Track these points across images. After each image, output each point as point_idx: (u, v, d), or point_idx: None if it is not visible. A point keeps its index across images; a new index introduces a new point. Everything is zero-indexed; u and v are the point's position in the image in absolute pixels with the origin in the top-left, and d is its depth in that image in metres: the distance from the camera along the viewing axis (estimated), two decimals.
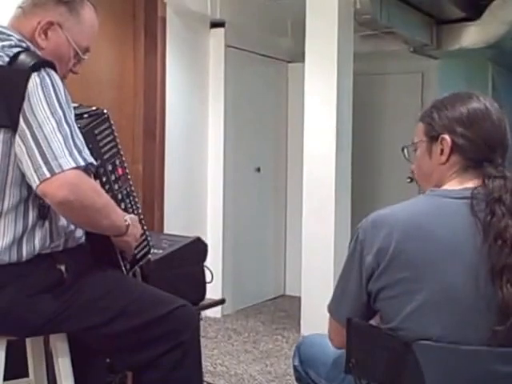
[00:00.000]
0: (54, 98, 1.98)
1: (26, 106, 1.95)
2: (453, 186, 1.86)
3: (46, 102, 1.96)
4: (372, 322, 1.91)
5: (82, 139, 2.01)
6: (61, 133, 1.95)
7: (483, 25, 6.21)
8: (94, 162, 2.03)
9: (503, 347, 1.69)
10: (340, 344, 1.96)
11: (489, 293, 1.69)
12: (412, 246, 1.76)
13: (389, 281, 1.78)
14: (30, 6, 2.21)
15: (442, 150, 1.86)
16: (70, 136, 1.96)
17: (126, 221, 2.16)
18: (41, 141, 1.93)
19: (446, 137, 1.85)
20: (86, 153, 2.00)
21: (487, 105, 1.89)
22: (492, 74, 7.80)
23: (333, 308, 1.97)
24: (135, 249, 2.35)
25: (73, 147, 1.95)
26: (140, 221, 2.36)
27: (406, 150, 2.05)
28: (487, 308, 1.70)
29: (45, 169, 1.91)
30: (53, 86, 1.99)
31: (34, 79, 1.97)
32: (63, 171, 1.92)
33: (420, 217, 1.80)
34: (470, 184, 1.82)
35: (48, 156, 1.92)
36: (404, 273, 1.76)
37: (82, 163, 1.96)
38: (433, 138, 1.89)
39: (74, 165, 1.93)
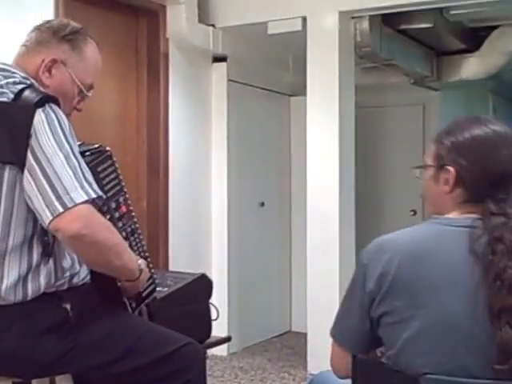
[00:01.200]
0: (61, 132, 1.98)
1: (33, 142, 1.94)
2: (454, 215, 1.85)
3: (53, 137, 1.96)
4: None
5: (89, 172, 2.02)
6: (70, 166, 1.95)
7: (483, 56, 6.24)
8: (104, 196, 2.03)
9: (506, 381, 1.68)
10: (342, 371, 1.96)
11: (486, 327, 1.68)
12: (411, 272, 1.76)
13: (389, 307, 1.79)
14: (34, 44, 2.22)
15: (446, 180, 1.86)
16: (78, 169, 1.96)
17: (139, 265, 2.16)
18: (51, 175, 1.93)
19: (452, 169, 1.84)
20: (95, 186, 1.99)
21: (500, 131, 1.87)
22: (493, 104, 7.83)
23: (335, 332, 1.96)
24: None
25: (83, 180, 1.96)
26: (146, 258, 2.35)
27: (416, 171, 2.02)
28: (485, 340, 1.69)
29: (57, 203, 1.91)
30: (58, 120, 1.99)
31: (40, 115, 1.97)
32: (76, 205, 1.91)
33: (420, 244, 1.81)
34: (471, 216, 1.81)
35: (59, 191, 1.91)
36: (402, 299, 1.77)
37: (94, 195, 1.96)
38: (440, 166, 1.88)
39: (85, 197, 1.93)
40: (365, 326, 1.86)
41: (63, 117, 2.02)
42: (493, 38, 6.15)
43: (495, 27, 6.08)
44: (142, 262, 2.19)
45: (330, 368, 2.07)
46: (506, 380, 1.67)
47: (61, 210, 1.90)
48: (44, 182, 1.92)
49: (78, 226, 1.90)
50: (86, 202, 1.93)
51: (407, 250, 1.80)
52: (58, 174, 1.93)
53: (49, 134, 1.96)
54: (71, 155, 1.96)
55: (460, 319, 1.71)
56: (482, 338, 1.69)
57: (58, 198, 1.91)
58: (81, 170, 1.97)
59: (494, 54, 6.20)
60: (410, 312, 1.75)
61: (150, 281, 2.41)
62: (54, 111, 2.00)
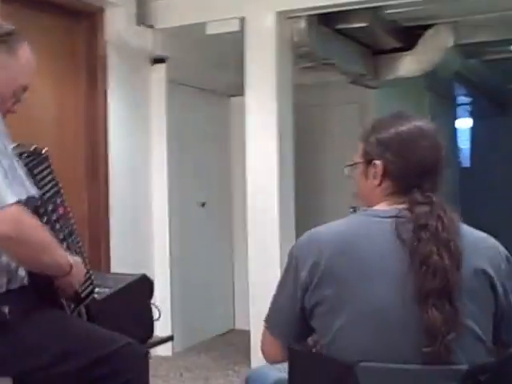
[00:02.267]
0: None
1: None
2: (382, 207, 1.93)
3: None
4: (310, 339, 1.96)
5: (22, 172, 1.99)
6: (1, 166, 1.93)
7: (418, 54, 6.33)
8: (36, 195, 2.01)
9: (435, 365, 1.74)
10: (273, 357, 2.04)
11: (415, 314, 1.75)
12: (340, 262, 1.82)
13: (320, 297, 1.84)
14: None
15: (375, 174, 1.95)
16: (8, 169, 1.94)
17: (69, 260, 2.15)
18: None
19: (378, 163, 1.93)
20: (28, 185, 1.98)
21: (423, 127, 1.97)
22: (429, 101, 7.98)
23: (269, 322, 2.03)
24: (79, 288, 2.33)
25: (12, 180, 1.93)
26: (84, 259, 2.35)
27: (347, 169, 2.11)
28: (415, 328, 1.75)
29: None
30: None
31: None
32: (2, 208, 1.89)
33: (349, 235, 1.88)
34: (399, 206, 1.89)
35: None
36: (333, 288, 1.82)
37: (24, 196, 1.94)
38: (367, 161, 1.97)
39: (15, 199, 1.91)
40: (296, 316, 1.92)
41: None
42: (427, 36, 6.24)
43: (430, 26, 6.19)
44: (74, 258, 2.19)
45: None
46: (436, 363, 1.73)
47: None
48: None
49: (6, 229, 1.90)
50: (15, 203, 1.91)
51: (336, 241, 1.86)
52: None
53: None
54: (1, 155, 1.94)
55: (390, 306, 1.77)
56: (411, 323, 1.75)
57: None
58: (11, 170, 1.95)
59: (428, 52, 6.30)
60: (340, 301, 1.81)
61: (89, 282, 2.41)
62: None
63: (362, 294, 1.79)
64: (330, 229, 1.93)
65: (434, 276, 1.74)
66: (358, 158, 2.02)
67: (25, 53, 2.26)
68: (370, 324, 1.78)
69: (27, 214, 1.97)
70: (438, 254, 1.76)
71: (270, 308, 2.03)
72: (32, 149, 2.25)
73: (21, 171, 2.00)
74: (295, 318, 1.93)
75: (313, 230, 1.94)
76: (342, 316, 1.80)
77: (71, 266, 2.16)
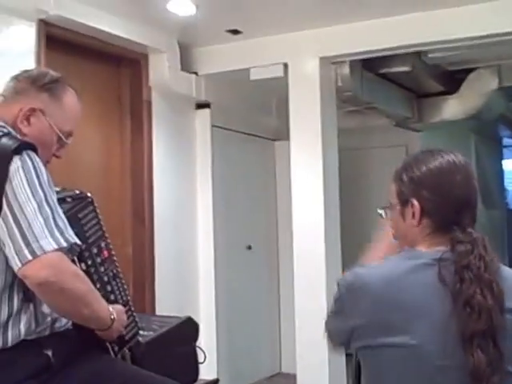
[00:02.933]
0: (36, 179, 1.99)
1: (7, 188, 1.96)
2: (425, 248, 1.90)
3: (27, 184, 1.97)
4: None
5: (64, 220, 2.01)
6: (42, 214, 1.95)
7: (461, 97, 6.36)
8: (78, 242, 2.03)
9: None
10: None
11: (458, 356, 1.72)
12: (384, 312, 1.80)
13: (364, 341, 1.83)
14: (12, 93, 2.24)
15: (413, 214, 1.91)
16: (51, 217, 1.96)
17: (111, 314, 2.14)
18: (22, 222, 1.93)
19: (415, 202, 1.90)
20: (70, 233, 1.99)
21: (454, 160, 1.93)
22: (475, 143, 7.92)
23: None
24: (123, 330, 2.34)
25: (54, 228, 1.95)
26: (127, 302, 2.36)
27: (383, 211, 2.08)
28: (458, 371, 1.72)
29: (26, 251, 1.91)
30: (34, 168, 2.00)
31: (16, 162, 1.98)
32: (45, 253, 1.91)
33: (392, 282, 1.83)
34: (441, 247, 1.86)
35: (29, 238, 1.92)
36: (375, 334, 1.80)
37: (65, 244, 1.96)
38: (403, 201, 1.94)
39: (55, 246, 1.93)
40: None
41: (40, 164, 2.03)
42: (470, 79, 6.28)
43: (472, 69, 6.22)
44: (115, 309, 2.18)
45: None
46: None
47: (29, 257, 1.90)
48: (15, 229, 1.93)
49: (45, 274, 1.91)
50: (56, 250, 1.93)
51: (379, 289, 1.83)
52: (28, 221, 1.93)
53: (23, 180, 1.97)
54: (44, 203, 1.97)
55: (432, 349, 1.74)
56: (454, 366, 1.73)
57: (28, 245, 1.91)
58: (53, 217, 1.97)
59: (472, 96, 6.32)
60: (383, 344, 1.79)
61: (133, 324, 2.42)
62: (30, 158, 2.01)
63: (405, 335, 1.77)
64: (372, 274, 1.89)
65: (478, 317, 1.72)
66: (393, 199, 1.99)
67: (69, 99, 2.31)
68: (413, 367, 1.76)
69: (67, 261, 1.99)
70: (481, 294, 1.74)
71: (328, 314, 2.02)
72: (77, 193, 2.29)
73: (62, 219, 2.01)
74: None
75: (355, 272, 1.91)
76: (384, 358, 1.80)
77: (113, 320, 2.15)
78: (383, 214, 2.08)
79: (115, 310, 2.18)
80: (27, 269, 1.92)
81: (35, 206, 1.96)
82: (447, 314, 1.75)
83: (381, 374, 1.82)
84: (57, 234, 1.95)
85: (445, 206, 1.88)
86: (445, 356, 1.74)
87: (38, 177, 2.00)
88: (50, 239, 1.93)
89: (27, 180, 1.98)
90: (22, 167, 1.98)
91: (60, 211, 2.03)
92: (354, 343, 1.87)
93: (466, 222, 1.87)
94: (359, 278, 1.90)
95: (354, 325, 1.85)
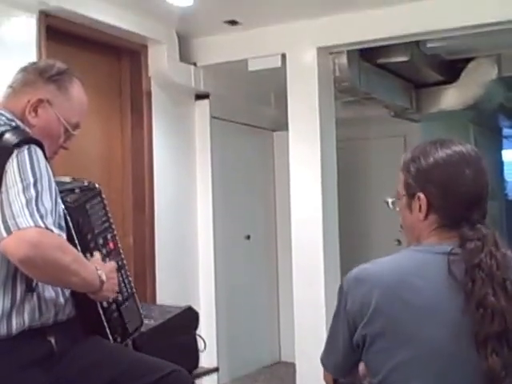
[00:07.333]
0: (28, 165, 1.99)
1: (3, 177, 1.97)
2: (432, 242, 1.83)
3: (17, 169, 1.97)
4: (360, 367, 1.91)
5: (48, 209, 1.98)
6: (25, 196, 1.94)
7: (460, 87, 6.34)
8: (54, 230, 1.98)
9: None
10: None
11: (472, 358, 1.68)
12: (392, 304, 1.74)
13: (372, 335, 1.77)
14: (20, 85, 2.27)
15: (420, 207, 1.84)
16: (34, 200, 1.95)
17: (100, 276, 2.13)
18: (4, 202, 1.93)
19: (422, 196, 1.83)
20: (49, 222, 1.95)
21: (464, 152, 1.84)
22: (474, 134, 7.92)
23: (324, 360, 1.98)
24: (127, 323, 2.36)
25: (35, 210, 1.93)
26: (132, 294, 2.39)
27: (390, 201, 2.01)
28: (472, 372, 1.69)
29: (1, 228, 1.90)
30: (30, 156, 2.00)
31: (14, 154, 1.99)
32: (19, 229, 1.89)
33: (401, 276, 1.77)
34: (449, 242, 1.79)
35: (7, 215, 1.91)
36: (383, 329, 1.75)
37: (42, 226, 1.92)
38: (411, 194, 1.87)
39: (32, 224, 1.90)
40: (347, 352, 1.86)
41: (39, 155, 2.03)
42: (470, 69, 6.26)
43: (471, 59, 6.21)
44: (106, 268, 2.17)
45: None
46: None
47: (4, 234, 1.90)
48: None
49: (24, 250, 1.88)
50: (34, 226, 1.90)
51: (387, 283, 1.77)
52: (10, 200, 1.93)
53: (15, 166, 1.97)
54: (31, 187, 1.96)
55: (445, 349, 1.70)
56: (468, 367, 1.69)
57: (4, 222, 1.91)
58: (36, 201, 1.94)
59: (471, 85, 6.30)
60: (393, 342, 1.74)
61: (137, 316, 2.44)
62: (29, 150, 2.01)
63: (416, 334, 1.72)
64: (378, 268, 1.83)
65: (492, 319, 1.67)
66: (401, 190, 1.91)
67: (76, 91, 2.33)
68: (425, 367, 1.71)
69: (48, 234, 1.94)
70: (493, 295, 1.69)
71: (325, 345, 1.97)
72: (85, 184, 2.31)
73: (46, 208, 1.97)
74: (347, 354, 1.88)
75: (361, 267, 1.84)
76: (394, 356, 1.74)
77: (102, 282, 2.14)
78: (390, 204, 2.00)
79: (105, 270, 2.17)
80: (5, 245, 1.91)
81: (20, 188, 1.95)
82: (459, 313, 1.70)
83: (390, 372, 1.76)
84: (36, 215, 1.93)
85: (452, 201, 1.81)
86: (459, 356, 1.70)
87: (31, 164, 2.00)
88: (29, 218, 1.91)
89: (18, 166, 1.98)
90: (17, 156, 1.99)
91: (48, 200, 1.99)
92: (358, 337, 1.80)
93: (475, 218, 1.80)
94: (365, 268, 1.85)
95: (356, 314, 1.79)
